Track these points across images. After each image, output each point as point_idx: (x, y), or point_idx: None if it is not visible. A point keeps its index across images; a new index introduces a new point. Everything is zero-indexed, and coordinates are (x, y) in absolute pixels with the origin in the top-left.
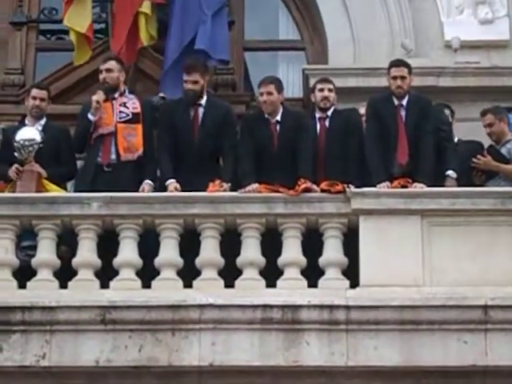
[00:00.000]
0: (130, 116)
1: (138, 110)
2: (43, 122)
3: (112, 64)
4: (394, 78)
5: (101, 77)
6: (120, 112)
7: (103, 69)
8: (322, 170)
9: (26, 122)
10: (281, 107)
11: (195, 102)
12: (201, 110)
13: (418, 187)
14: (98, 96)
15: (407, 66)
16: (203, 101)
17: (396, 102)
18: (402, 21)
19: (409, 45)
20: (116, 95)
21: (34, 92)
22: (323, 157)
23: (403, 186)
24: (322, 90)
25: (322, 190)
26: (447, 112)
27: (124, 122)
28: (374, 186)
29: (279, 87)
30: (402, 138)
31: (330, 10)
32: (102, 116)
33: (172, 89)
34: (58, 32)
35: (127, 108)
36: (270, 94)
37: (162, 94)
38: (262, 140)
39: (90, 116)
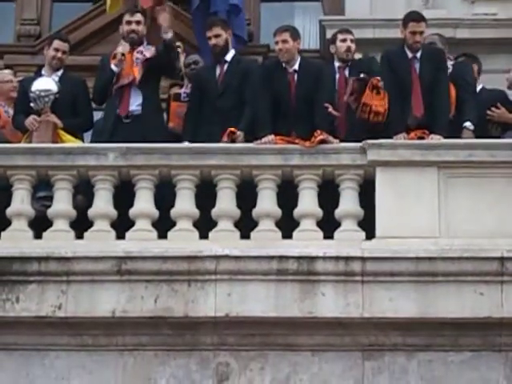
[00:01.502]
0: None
1: (150, 55)
2: (60, 73)
3: (140, 16)
4: (413, 33)
5: (126, 28)
6: (136, 59)
7: (133, 20)
8: (342, 120)
9: (43, 72)
10: (298, 56)
11: (221, 58)
12: (225, 66)
13: (435, 139)
14: (124, 48)
15: (425, 20)
16: (228, 56)
17: (410, 54)
18: None
19: None
20: (141, 48)
21: (57, 44)
22: (344, 106)
23: (420, 138)
24: (344, 40)
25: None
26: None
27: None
28: (391, 137)
29: (294, 35)
30: (417, 91)
31: None
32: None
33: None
34: None
35: (143, 55)
36: (285, 41)
37: (177, 43)
38: (279, 89)
39: (113, 67)
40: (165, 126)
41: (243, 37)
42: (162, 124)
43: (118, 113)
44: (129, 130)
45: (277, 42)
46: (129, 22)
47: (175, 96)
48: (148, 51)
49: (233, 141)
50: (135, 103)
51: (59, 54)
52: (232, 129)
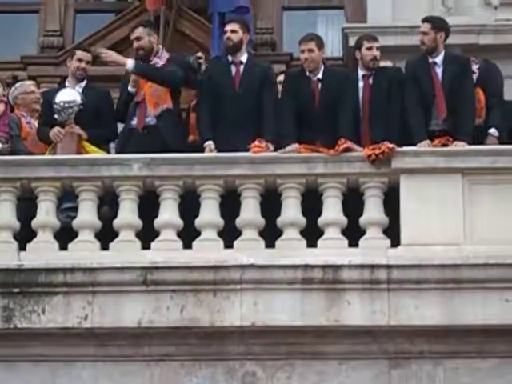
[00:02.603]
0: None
1: (161, 64)
2: (83, 84)
3: (140, 31)
4: (369, 48)
5: (134, 46)
6: None
7: (133, 38)
8: (366, 129)
9: (67, 83)
10: (322, 65)
11: (235, 57)
12: (241, 67)
13: (459, 145)
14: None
15: (431, 21)
16: (244, 58)
17: (430, 59)
18: None
19: (449, 2)
20: (151, 59)
21: (80, 54)
22: (367, 115)
23: (444, 145)
24: (370, 48)
25: (368, 156)
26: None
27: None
28: (415, 144)
29: (320, 44)
30: (439, 95)
31: None
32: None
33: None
34: None
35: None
36: (311, 51)
37: (199, 54)
38: (303, 98)
39: (130, 88)
40: (183, 136)
41: (251, 37)
42: (180, 135)
43: (133, 125)
44: (144, 141)
45: (302, 51)
46: (132, 40)
47: (195, 107)
48: (162, 62)
49: None
50: (152, 115)
51: (83, 64)
52: (265, 143)
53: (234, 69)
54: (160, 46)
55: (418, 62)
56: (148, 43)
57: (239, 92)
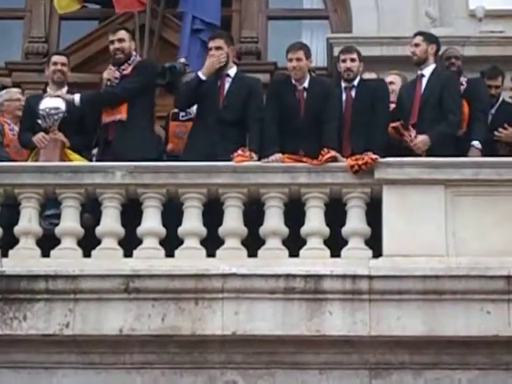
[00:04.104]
0: (118, 81)
1: (127, 72)
2: (64, 90)
3: (123, 33)
4: (411, 45)
5: (112, 47)
6: (115, 78)
7: (115, 39)
8: (347, 141)
9: (48, 90)
10: (308, 74)
11: (221, 72)
12: (228, 80)
13: (420, 138)
14: (108, 73)
15: (423, 34)
16: (231, 71)
17: (418, 71)
18: None
19: (433, 14)
20: (124, 67)
21: (54, 58)
22: (348, 127)
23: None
24: (344, 60)
25: (351, 167)
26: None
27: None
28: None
29: (307, 53)
30: (415, 103)
31: None
32: None
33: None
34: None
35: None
36: (299, 59)
37: (183, 60)
38: (288, 106)
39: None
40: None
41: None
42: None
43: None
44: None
45: (291, 60)
46: (112, 42)
47: (174, 115)
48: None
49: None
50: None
51: (58, 67)
52: (249, 152)
53: (219, 82)
54: (134, 53)
55: (410, 83)
56: (128, 48)
57: (224, 103)
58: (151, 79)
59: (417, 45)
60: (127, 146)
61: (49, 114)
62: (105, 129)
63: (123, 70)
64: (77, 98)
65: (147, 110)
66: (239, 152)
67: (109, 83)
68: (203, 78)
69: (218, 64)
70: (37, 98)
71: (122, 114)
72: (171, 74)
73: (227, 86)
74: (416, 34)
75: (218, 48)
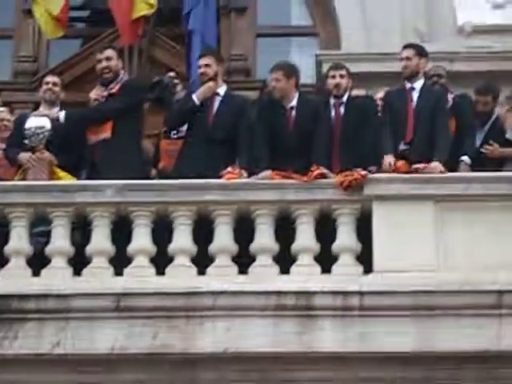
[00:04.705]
0: (105, 100)
1: (115, 90)
2: (56, 109)
3: (110, 52)
4: (401, 59)
5: (99, 66)
6: (102, 97)
7: (102, 58)
8: (335, 157)
9: (41, 109)
10: (296, 92)
11: None
12: (217, 99)
13: (434, 166)
14: (95, 93)
15: (414, 47)
16: (220, 90)
17: (408, 84)
18: (414, 5)
19: (422, 30)
20: (112, 86)
21: (48, 78)
22: (337, 144)
23: (414, 171)
24: (333, 76)
25: (341, 183)
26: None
27: None
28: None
29: (289, 73)
30: (410, 118)
31: None
32: None
33: None
34: (71, 20)
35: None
36: (277, 80)
37: (171, 74)
38: (276, 125)
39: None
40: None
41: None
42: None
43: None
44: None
45: (271, 80)
46: (99, 61)
47: (165, 133)
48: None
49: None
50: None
51: (50, 86)
52: (238, 169)
53: (208, 101)
54: (122, 72)
55: (396, 91)
56: (115, 67)
57: (213, 122)
58: (138, 98)
59: (408, 58)
60: (112, 166)
61: (34, 133)
62: (90, 149)
63: (111, 88)
64: (62, 115)
65: (133, 129)
66: (229, 169)
67: (96, 103)
68: (197, 102)
69: (211, 92)
70: (25, 116)
71: (106, 133)
72: (159, 88)
73: (217, 104)
74: (405, 47)
75: (207, 66)
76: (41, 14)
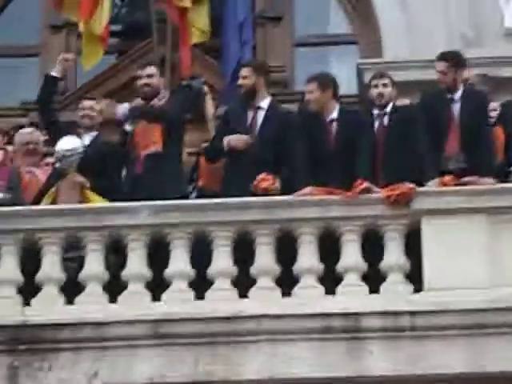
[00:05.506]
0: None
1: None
2: (93, 134)
3: (152, 69)
4: (437, 72)
5: (140, 82)
6: None
7: (144, 75)
8: (380, 171)
9: (79, 132)
10: (336, 105)
11: (251, 102)
12: (261, 114)
13: (485, 182)
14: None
15: (447, 59)
16: (263, 103)
17: (448, 95)
18: (459, 8)
19: (468, 34)
20: (154, 103)
21: (83, 103)
22: (382, 156)
23: (463, 184)
24: (376, 86)
25: (387, 198)
26: None
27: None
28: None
29: (324, 84)
30: (454, 131)
31: (384, 0)
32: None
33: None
34: None
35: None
36: (310, 92)
37: (203, 79)
38: (317, 139)
39: (52, 72)
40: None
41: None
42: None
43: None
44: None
45: (306, 92)
46: (140, 77)
47: (205, 150)
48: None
49: (266, 189)
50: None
51: (87, 111)
52: (271, 176)
53: (250, 115)
54: (163, 90)
55: (434, 97)
56: (157, 83)
57: (257, 139)
58: (191, 103)
59: (443, 72)
60: (160, 178)
61: (64, 156)
62: (133, 163)
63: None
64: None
65: (180, 143)
66: (262, 176)
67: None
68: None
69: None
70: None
71: (157, 146)
72: (191, 94)
73: (260, 120)
74: (439, 59)
75: (245, 78)
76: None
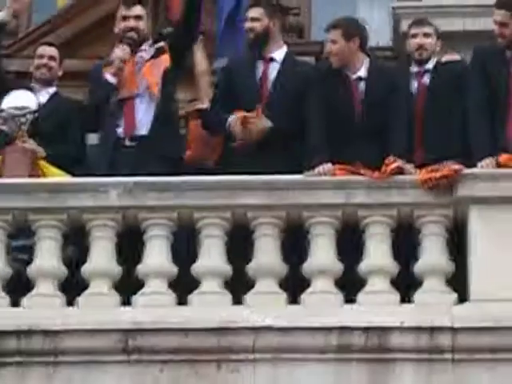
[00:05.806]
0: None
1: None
2: (51, 90)
3: (140, 10)
4: (495, 23)
5: (123, 25)
6: (138, 64)
7: (131, 15)
8: (419, 145)
9: (32, 86)
10: (365, 59)
11: (262, 52)
12: (274, 66)
13: None
14: (123, 52)
15: (509, 7)
16: (277, 54)
17: (508, 53)
18: None
19: None
20: (144, 47)
21: (41, 50)
22: (421, 127)
23: None
24: (415, 35)
25: (425, 181)
26: None
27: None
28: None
29: (350, 32)
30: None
31: None
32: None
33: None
34: None
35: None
36: (334, 42)
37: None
38: (338, 103)
39: (109, 78)
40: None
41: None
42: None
43: (119, 134)
44: (134, 156)
45: (327, 42)
46: (125, 18)
47: (197, 113)
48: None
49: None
50: (142, 121)
51: (45, 60)
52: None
53: (261, 67)
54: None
55: (489, 54)
56: (144, 27)
57: (268, 98)
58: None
59: (503, 24)
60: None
61: (13, 116)
62: (119, 107)
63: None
64: None
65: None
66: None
67: (121, 65)
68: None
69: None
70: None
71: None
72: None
73: (273, 75)
74: (499, 6)
75: (255, 19)
76: None
